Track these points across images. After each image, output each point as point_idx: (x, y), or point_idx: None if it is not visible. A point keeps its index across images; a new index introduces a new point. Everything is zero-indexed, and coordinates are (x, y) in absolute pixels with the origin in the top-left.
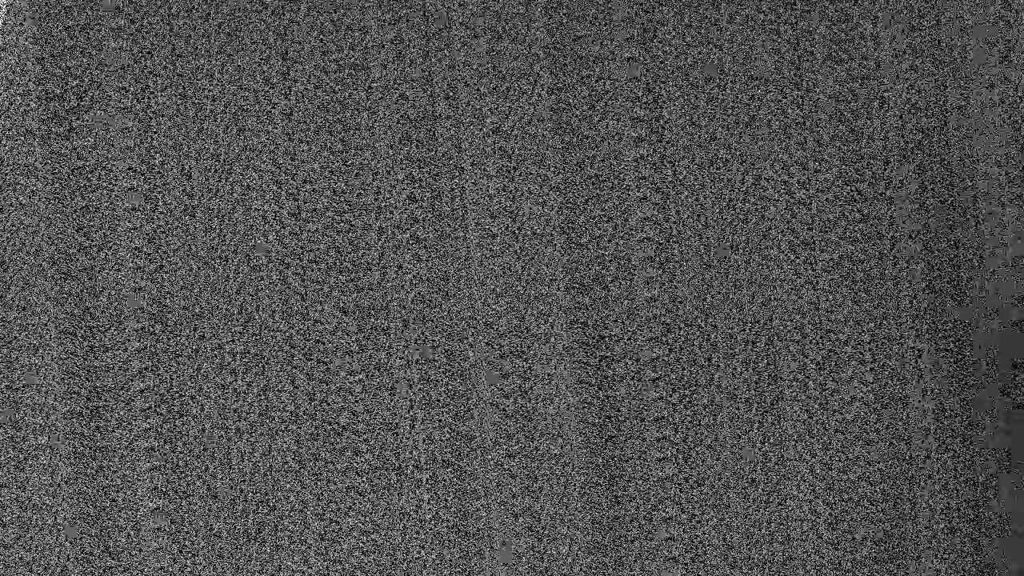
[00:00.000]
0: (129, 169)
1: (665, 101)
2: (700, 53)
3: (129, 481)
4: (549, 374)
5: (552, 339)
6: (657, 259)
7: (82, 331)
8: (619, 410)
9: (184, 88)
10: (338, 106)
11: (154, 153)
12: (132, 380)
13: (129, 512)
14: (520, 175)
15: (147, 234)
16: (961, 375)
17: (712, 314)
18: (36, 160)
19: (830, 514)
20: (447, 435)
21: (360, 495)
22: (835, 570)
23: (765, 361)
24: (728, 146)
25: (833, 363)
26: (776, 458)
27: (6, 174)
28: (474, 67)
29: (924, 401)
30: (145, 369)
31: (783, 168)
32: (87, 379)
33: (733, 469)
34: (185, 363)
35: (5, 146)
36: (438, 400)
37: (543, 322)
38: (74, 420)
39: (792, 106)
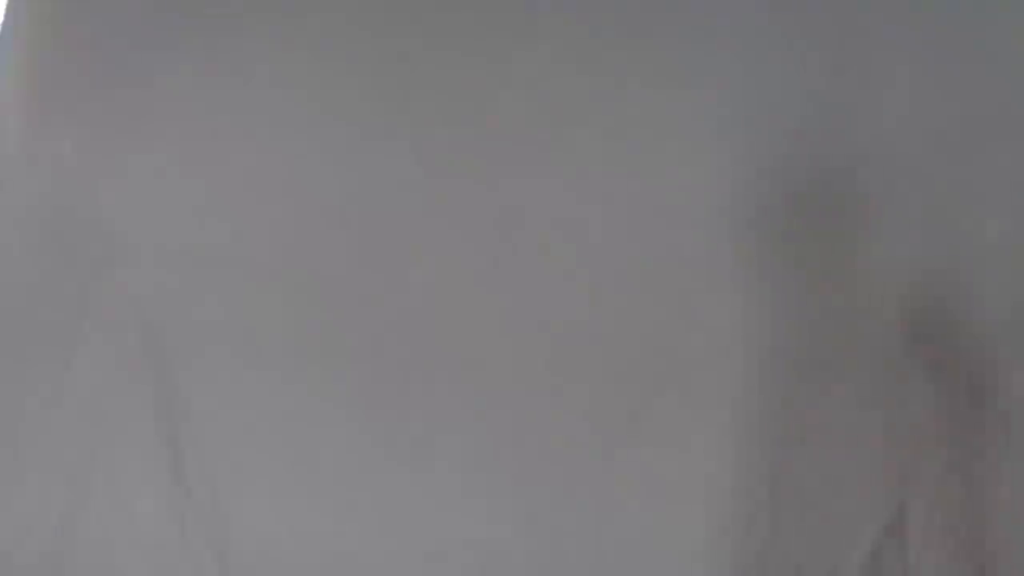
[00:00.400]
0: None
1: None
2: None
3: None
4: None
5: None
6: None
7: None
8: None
9: (186, 85)
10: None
11: (158, 151)
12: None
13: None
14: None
15: (149, 233)
16: (957, 372)
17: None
18: (36, 158)
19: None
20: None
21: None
22: (833, 569)
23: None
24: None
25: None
26: (774, 458)
27: (7, 172)
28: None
29: (920, 399)
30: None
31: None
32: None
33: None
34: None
35: (6, 143)
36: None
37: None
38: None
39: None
